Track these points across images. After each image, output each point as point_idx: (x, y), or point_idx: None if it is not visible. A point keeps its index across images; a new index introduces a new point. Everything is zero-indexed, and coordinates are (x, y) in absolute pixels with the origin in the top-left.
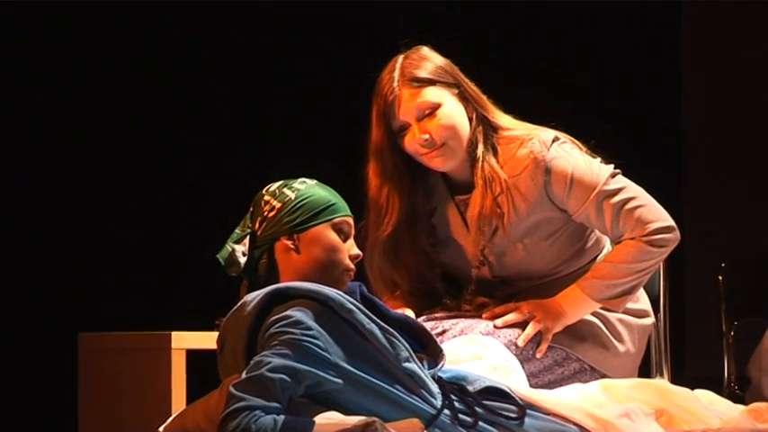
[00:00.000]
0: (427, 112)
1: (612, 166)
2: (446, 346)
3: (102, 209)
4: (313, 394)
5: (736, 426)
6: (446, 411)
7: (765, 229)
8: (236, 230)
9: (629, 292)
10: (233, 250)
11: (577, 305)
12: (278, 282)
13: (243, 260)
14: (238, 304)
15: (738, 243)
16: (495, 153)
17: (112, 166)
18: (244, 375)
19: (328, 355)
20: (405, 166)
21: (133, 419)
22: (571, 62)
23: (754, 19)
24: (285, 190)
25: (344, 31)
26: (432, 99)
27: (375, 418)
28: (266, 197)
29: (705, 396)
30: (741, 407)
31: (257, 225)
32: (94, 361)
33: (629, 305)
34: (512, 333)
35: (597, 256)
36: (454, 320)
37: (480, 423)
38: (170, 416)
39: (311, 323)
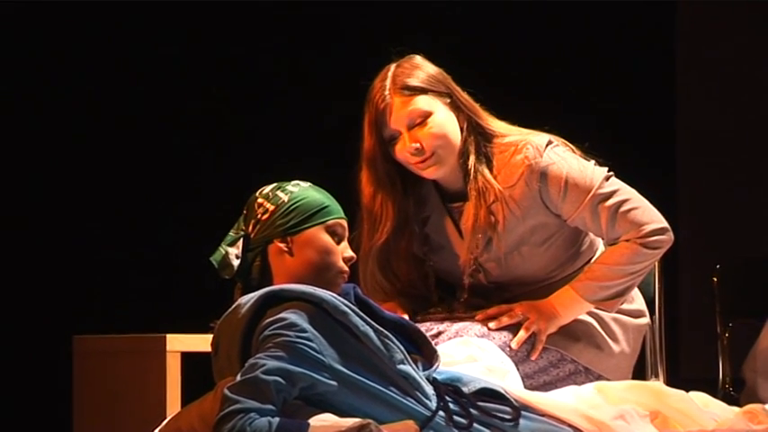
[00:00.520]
0: (418, 120)
1: (606, 168)
2: (441, 347)
3: (96, 212)
4: (308, 396)
5: (730, 427)
6: (441, 413)
7: (760, 230)
8: (230, 233)
9: (623, 293)
10: (226, 253)
11: (571, 306)
12: (271, 284)
13: (236, 263)
14: (232, 307)
15: (733, 245)
16: (489, 162)
17: (108, 169)
18: (238, 378)
19: (323, 358)
20: (397, 174)
21: (128, 422)
22: (565, 63)
23: (749, 19)
24: (278, 192)
25: (343, 32)
26: (423, 107)
27: (370, 420)
28: (259, 200)
29: (700, 398)
30: (736, 408)
31: (251, 228)
32: (89, 364)
33: (625, 305)
34: (506, 335)
35: (591, 258)
36: (449, 322)
37: (475, 424)
38: (165, 418)
39: (306, 325)
